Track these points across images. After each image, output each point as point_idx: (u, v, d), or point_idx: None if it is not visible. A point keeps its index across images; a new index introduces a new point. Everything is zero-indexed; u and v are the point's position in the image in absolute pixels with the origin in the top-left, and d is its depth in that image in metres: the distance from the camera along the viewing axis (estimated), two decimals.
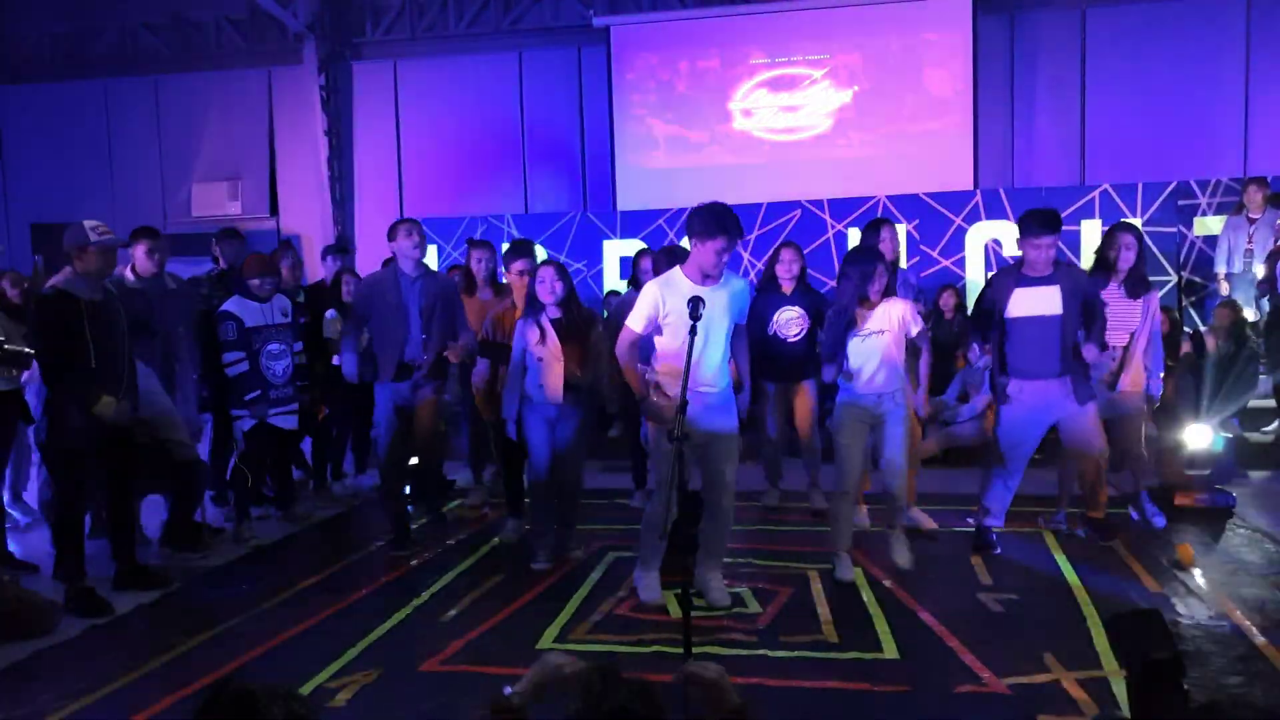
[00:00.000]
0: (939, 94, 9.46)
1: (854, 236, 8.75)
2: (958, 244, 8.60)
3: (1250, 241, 7.40)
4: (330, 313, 6.32)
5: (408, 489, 6.33)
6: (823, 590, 4.33)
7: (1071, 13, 9.57)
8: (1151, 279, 5.19)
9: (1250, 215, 7.44)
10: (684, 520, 4.04)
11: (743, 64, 9.84)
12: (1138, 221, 8.20)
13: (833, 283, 5.64)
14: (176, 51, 11.20)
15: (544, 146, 10.64)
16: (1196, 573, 4.40)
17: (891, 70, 9.54)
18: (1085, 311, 4.54)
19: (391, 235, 5.12)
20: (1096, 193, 8.47)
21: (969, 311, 7.63)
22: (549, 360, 4.62)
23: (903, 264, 7.26)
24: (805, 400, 5.55)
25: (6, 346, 4.54)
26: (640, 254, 5.78)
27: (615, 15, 10.10)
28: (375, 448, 6.85)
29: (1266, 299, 6.95)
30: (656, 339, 4.02)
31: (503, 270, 5.65)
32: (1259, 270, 7.16)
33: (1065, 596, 4.16)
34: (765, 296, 5.45)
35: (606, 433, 6.78)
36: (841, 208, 8.88)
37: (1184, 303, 8.21)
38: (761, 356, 5.31)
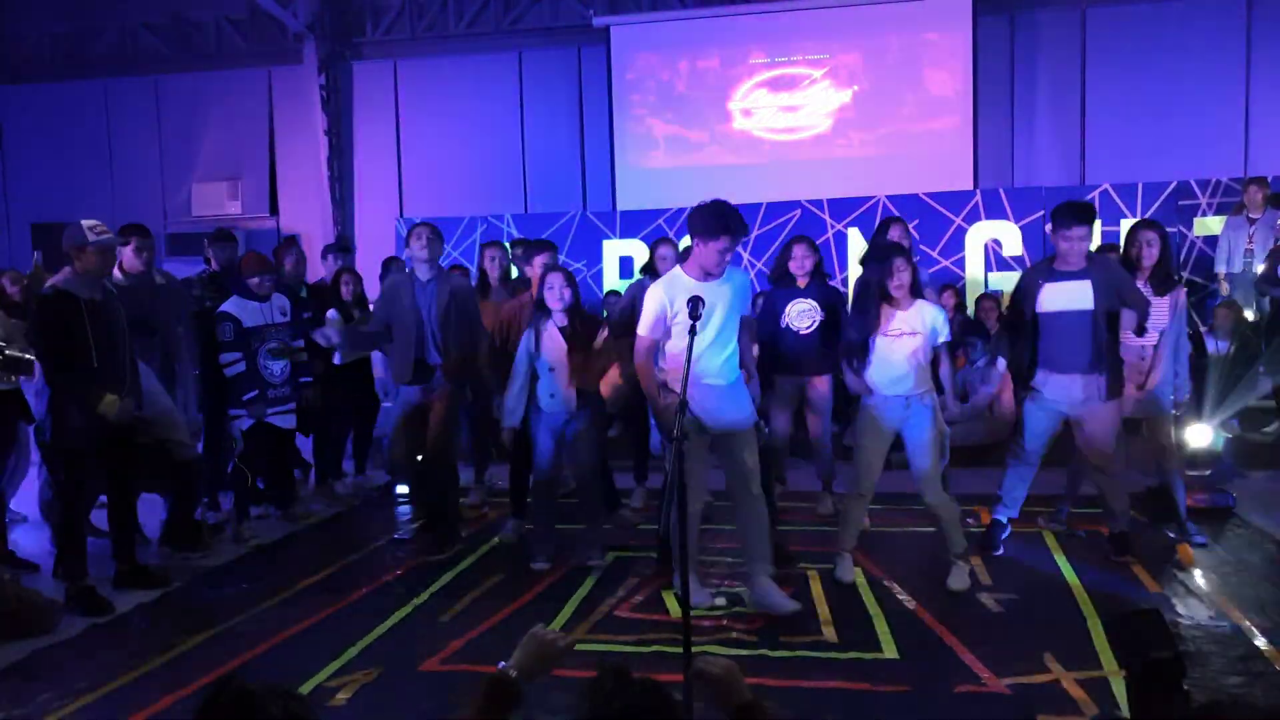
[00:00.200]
0: (939, 94, 9.46)
1: (854, 236, 8.76)
2: (957, 244, 8.60)
3: (1250, 241, 7.39)
4: (331, 313, 6.32)
5: (407, 488, 6.36)
6: (823, 590, 4.33)
7: (1071, 13, 9.57)
8: None
9: (1250, 215, 7.44)
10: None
11: (743, 64, 9.83)
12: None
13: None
14: (176, 51, 11.20)
15: (544, 146, 10.64)
16: (1196, 573, 4.40)
17: (891, 70, 9.54)
18: (1122, 301, 4.45)
19: (406, 241, 5.14)
20: (1096, 193, 8.47)
21: (969, 312, 7.67)
22: (562, 376, 4.64)
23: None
24: (819, 395, 5.49)
25: (8, 352, 4.55)
26: (659, 242, 5.77)
27: (615, 15, 10.09)
28: (381, 448, 6.89)
29: (1267, 299, 6.95)
30: (665, 341, 4.01)
31: (527, 268, 5.67)
32: (1259, 270, 7.15)
33: (1065, 596, 4.16)
34: (778, 290, 5.45)
35: (605, 433, 6.79)
36: (841, 208, 8.88)
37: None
38: (774, 350, 5.31)
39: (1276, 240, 7.11)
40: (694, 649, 3.11)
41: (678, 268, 4.03)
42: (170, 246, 10.74)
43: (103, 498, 4.75)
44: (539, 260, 5.32)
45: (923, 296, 4.42)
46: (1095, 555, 4.64)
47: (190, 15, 11.12)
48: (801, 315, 5.39)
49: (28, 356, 4.60)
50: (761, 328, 5.14)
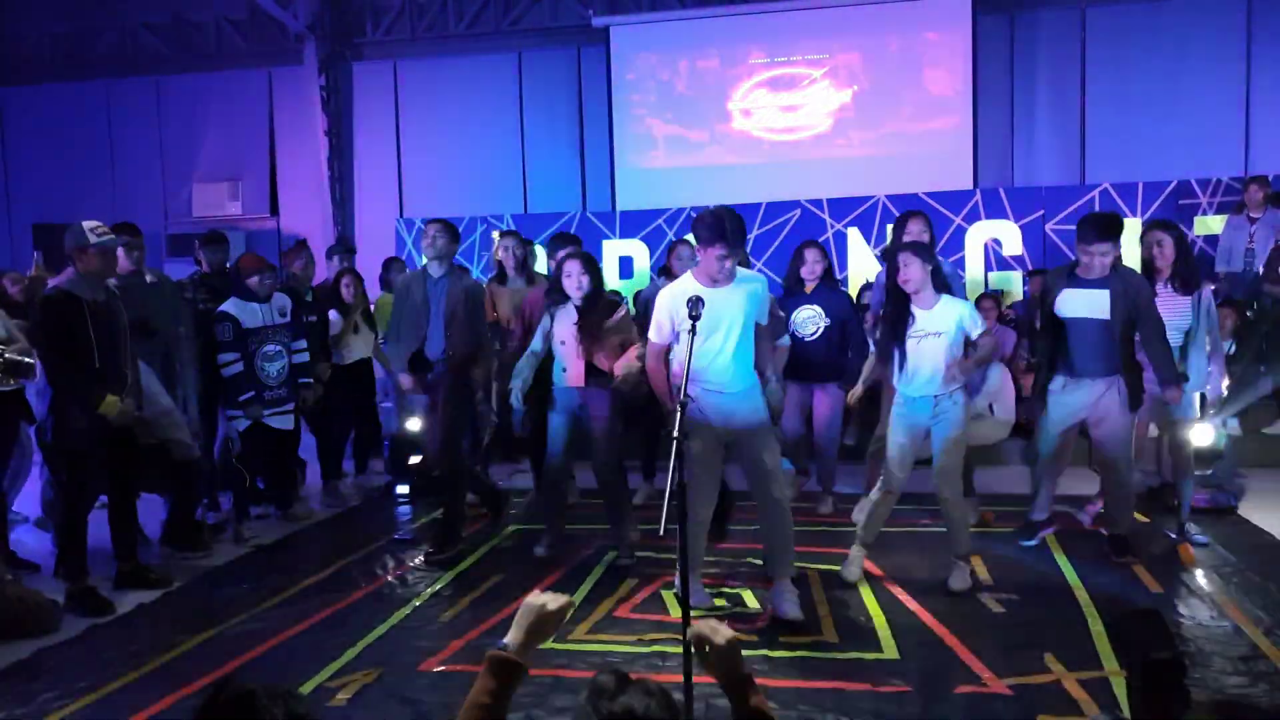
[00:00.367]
0: (939, 94, 9.46)
1: (854, 236, 8.77)
2: (957, 243, 8.60)
3: (1251, 241, 7.39)
4: (332, 314, 6.33)
5: (407, 488, 6.37)
6: (823, 590, 4.33)
7: (1071, 12, 9.57)
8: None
9: (1251, 215, 7.43)
10: (715, 518, 4.16)
11: (742, 64, 9.83)
12: (1132, 220, 8.20)
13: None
14: (177, 52, 11.20)
15: (544, 146, 10.64)
16: (1197, 573, 4.40)
17: (891, 70, 9.54)
18: (1135, 314, 4.42)
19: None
20: (1096, 192, 8.47)
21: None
22: (570, 350, 4.66)
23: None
24: (824, 405, 5.49)
25: (8, 355, 4.55)
26: (677, 243, 5.78)
27: (615, 15, 10.09)
28: (382, 448, 6.90)
29: (1268, 298, 6.94)
30: (675, 346, 4.01)
31: (552, 261, 5.69)
32: (1260, 270, 7.15)
33: (1065, 596, 4.16)
34: (788, 298, 5.45)
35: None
36: (841, 207, 8.88)
37: None
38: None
39: (1277, 240, 7.11)
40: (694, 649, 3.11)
41: (689, 273, 4.01)
42: (171, 247, 10.74)
43: (103, 498, 4.75)
44: (562, 252, 5.39)
45: (949, 291, 4.33)
46: (1096, 555, 4.64)
47: (190, 16, 11.12)
48: (806, 322, 5.39)
49: (28, 360, 4.60)
50: (776, 334, 5.15)
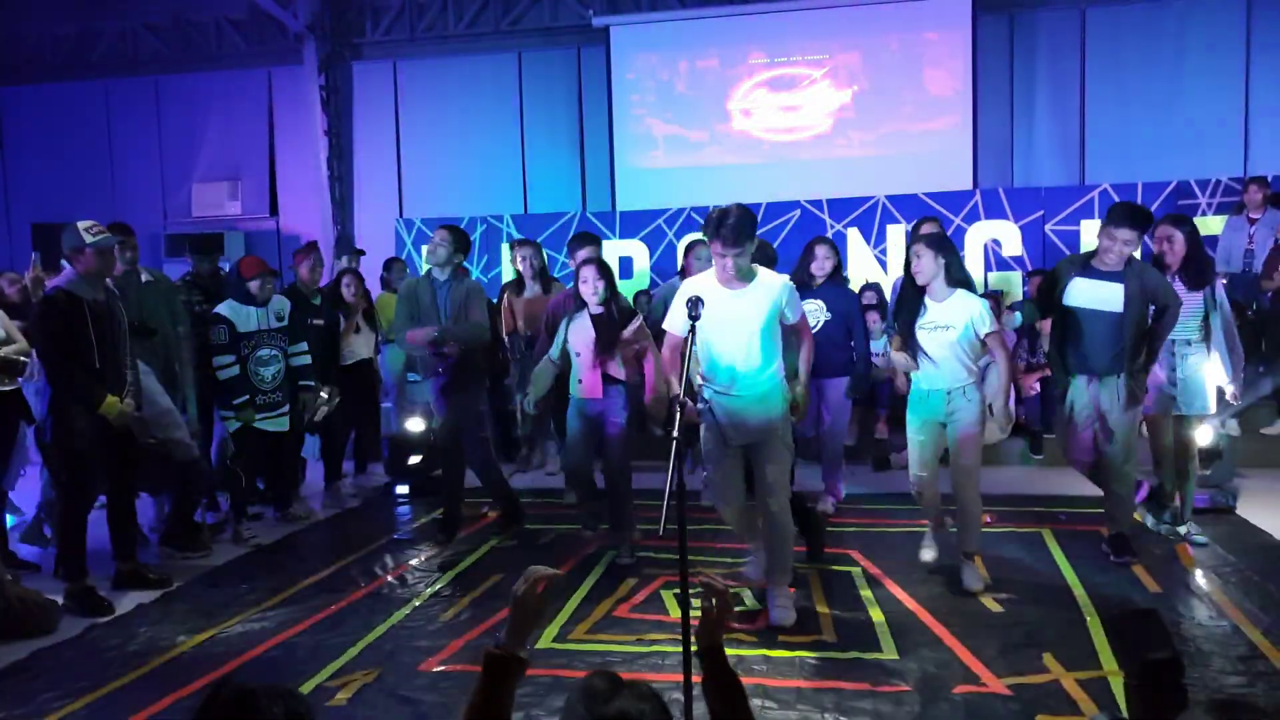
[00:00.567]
0: (939, 94, 9.45)
1: (853, 236, 8.76)
2: (957, 244, 8.56)
3: (1250, 242, 7.39)
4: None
5: (407, 488, 6.37)
6: (823, 590, 4.33)
7: (1071, 12, 9.56)
8: None
9: (1250, 215, 7.43)
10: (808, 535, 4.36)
11: (742, 64, 9.83)
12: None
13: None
14: (176, 52, 11.19)
15: (543, 146, 10.63)
16: (1197, 573, 4.40)
17: (891, 70, 9.53)
18: (1155, 301, 4.40)
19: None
20: (1096, 193, 8.47)
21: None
22: (586, 361, 4.70)
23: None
24: (830, 401, 5.47)
25: (1, 354, 4.55)
26: (695, 243, 5.80)
27: (615, 15, 10.09)
28: (382, 448, 6.91)
29: (1267, 298, 6.95)
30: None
31: (571, 261, 5.75)
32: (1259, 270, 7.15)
33: (1065, 596, 4.16)
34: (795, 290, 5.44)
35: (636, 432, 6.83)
36: (841, 208, 8.88)
37: None
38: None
39: (1276, 240, 7.11)
40: (694, 649, 3.11)
41: (710, 271, 3.96)
42: (170, 247, 10.74)
43: (101, 498, 4.75)
44: (581, 255, 5.45)
45: (968, 287, 4.29)
46: (1095, 555, 4.64)
47: (190, 16, 11.11)
48: (809, 315, 5.37)
49: (23, 359, 4.61)
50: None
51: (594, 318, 4.72)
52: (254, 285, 5.35)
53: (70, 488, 4.43)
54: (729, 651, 3.59)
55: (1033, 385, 6.77)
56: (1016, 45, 9.70)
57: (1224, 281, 5.01)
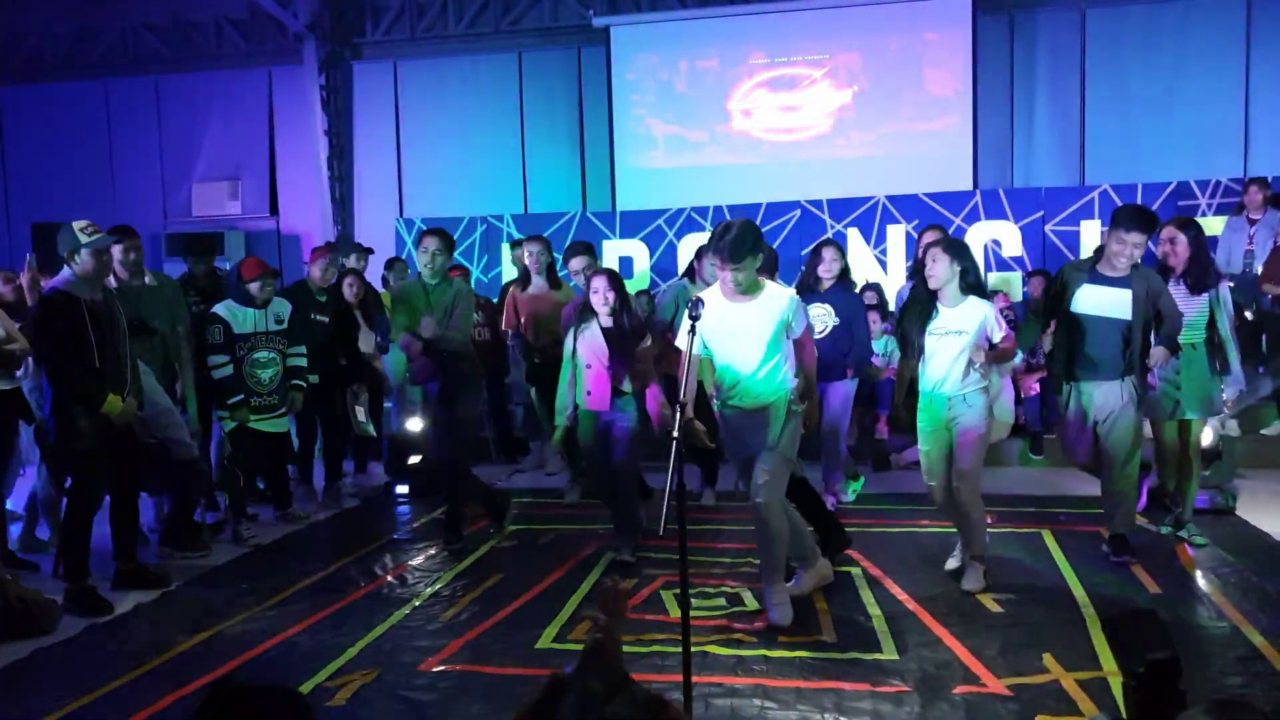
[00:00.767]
0: (939, 94, 9.45)
1: (853, 237, 8.76)
2: None
3: (1251, 242, 7.38)
4: None
5: (407, 488, 6.38)
6: (823, 590, 4.33)
7: (1071, 12, 9.56)
8: None
9: (1251, 216, 7.43)
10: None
11: (742, 64, 9.83)
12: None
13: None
14: (176, 51, 11.19)
15: (543, 146, 10.64)
16: (1197, 573, 4.40)
17: (891, 70, 9.53)
18: (1157, 316, 4.40)
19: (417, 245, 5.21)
20: (1096, 193, 8.47)
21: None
22: (597, 369, 4.68)
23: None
24: (831, 405, 5.46)
25: None
26: (703, 249, 5.81)
27: (615, 15, 10.09)
28: (382, 448, 6.92)
29: (1268, 299, 6.95)
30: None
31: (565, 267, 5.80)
32: (1259, 270, 7.14)
33: (1065, 597, 4.16)
34: (802, 294, 5.43)
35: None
36: (841, 208, 8.88)
37: None
38: None
39: (1277, 241, 7.11)
40: (694, 649, 3.11)
41: (718, 285, 3.95)
42: (170, 247, 10.74)
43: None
44: (576, 264, 5.45)
45: (982, 295, 4.29)
46: (1095, 556, 4.64)
47: (190, 15, 11.11)
48: (815, 320, 5.36)
49: (16, 350, 4.61)
50: None
51: (605, 330, 4.70)
52: (254, 287, 5.34)
53: (74, 488, 4.42)
54: (728, 652, 3.61)
55: (1032, 385, 6.77)
56: (1016, 45, 9.70)
57: (1230, 285, 4.99)
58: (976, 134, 9.34)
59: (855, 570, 4.58)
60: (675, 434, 2.94)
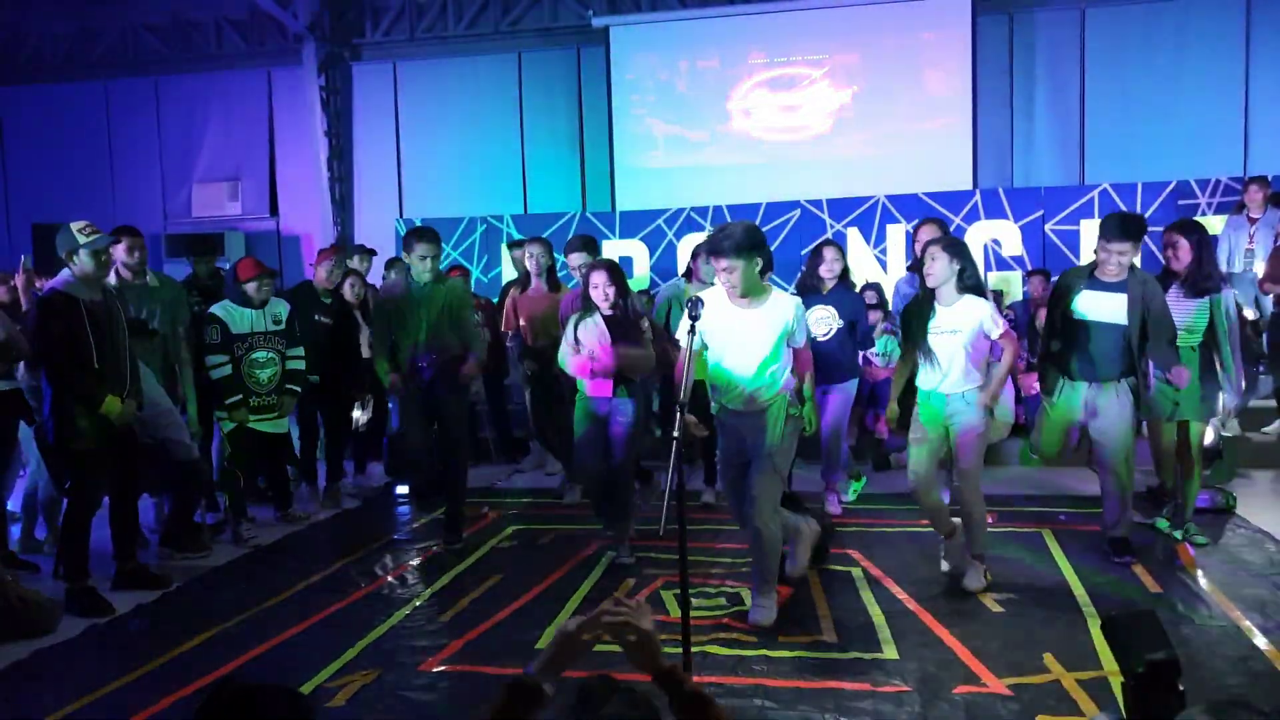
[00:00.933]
0: (938, 94, 9.45)
1: (853, 236, 8.77)
2: None
3: (1251, 241, 7.38)
4: None
5: (407, 488, 6.37)
6: (823, 590, 4.33)
7: (1071, 12, 9.57)
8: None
9: (1251, 215, 7.43)
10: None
11: (742, 64, 9.83)
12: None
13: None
14: (176, 52, 11.20)
15: (543, 146, 10.64)
16: (1197, 573, 4.40)
17: (890, 70, 9.54)
18: (1148, 323, 4.40)
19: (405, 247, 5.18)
20: (1096, 193, 8.48)
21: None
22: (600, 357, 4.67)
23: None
24: (833, 404, 5.45)
25: None
26: (699, 248, 5.82)
27: (614, 15, 10.09)
28: (383, 448, 6.92)
29: (1269, 298, 6.95)
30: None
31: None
32: (1259, 269, 7.14)
33: (1065, 596, 4.16)
34: (804, 296, 5.43)
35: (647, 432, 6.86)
36: (840, 208, 8.88)
37: None
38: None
39: (1277, 240, 7.11)
40: (694, 649, 3.11)
41: (722, 286, 3.92)
42: (170, 248, 10.75)
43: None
44: (575, 259, 5.46)
45: (981, 293, 4.27)
46: (1095, 556, 4.64)
47: (190, 16, 11.12)
48: (819, 322, 5.36)
49: (14, 346, 4.61)
50: None
51: (606, 318, 4.69)
52: (251, 287, 5.34)
53: (74, 489, 4.42)
54: (728, 652, 3.61)
55: (1033, 385, 6.75)
56: (1016, 45, 9.71)
57: (1234, 291, 4.98)
58: (976, 133, 9.34)
59: (855, 570, 4.58)
60: (675, 434, 2.94)
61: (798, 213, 8.91)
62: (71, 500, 4.43)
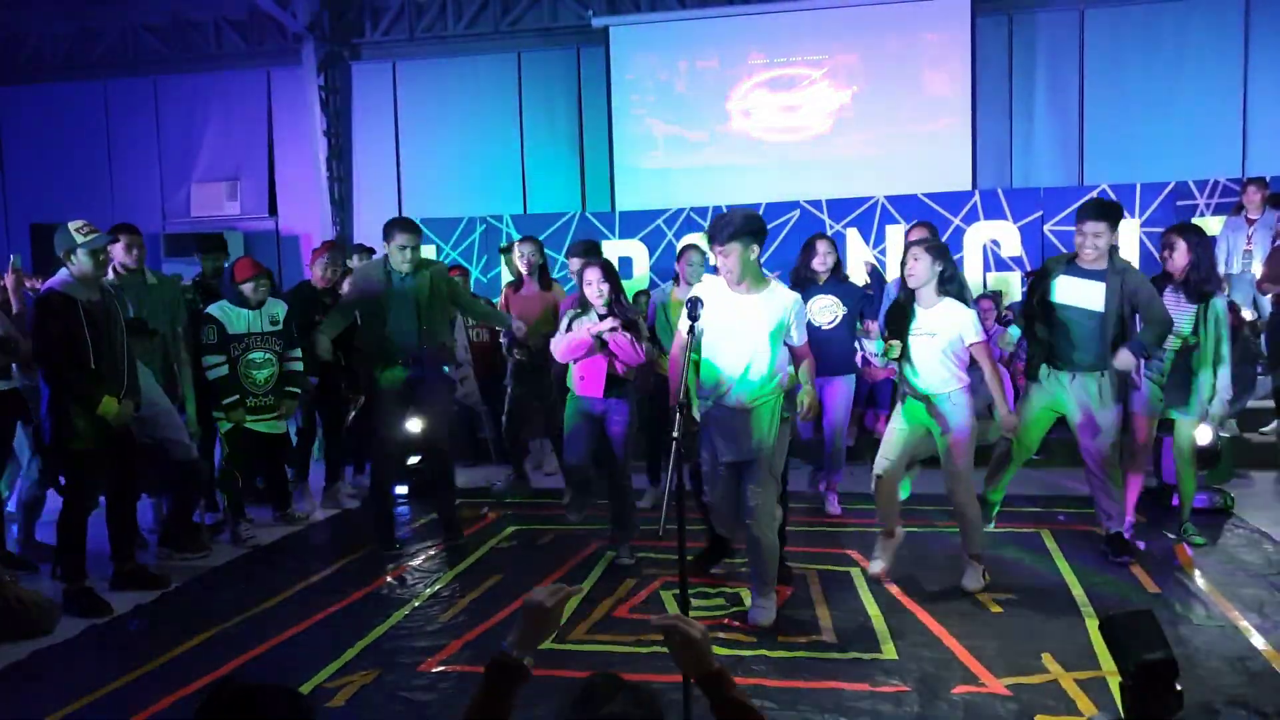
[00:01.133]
0: (937, 94, 9.45)
1: (853, 237, 8.76)
2: (956, 244, 8.58)
3: (1249, 242, 7.39)
4: None
5: (406, 488, 6.37)
6: (822, 590, 4.33)
7: (1070, 13, 9.57)
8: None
9: (1249, 216, 7.44)
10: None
11: (742, 64, 9.83)
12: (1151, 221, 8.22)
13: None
14: (176, 52, 11.19)
15: (543, 146, 10.64)
16: (1195, 573, 4.41)
17: (890, 70, 9.53)
18: (1134, 308, 4.41)
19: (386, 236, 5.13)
20: (1095, 192, 8.45)
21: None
22: (592, 359, 4.67)
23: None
24: (836, 398, 5.43)
25: None
26: (685, 249, 5.82)
27: (614, 16, 10.09)
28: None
29: (1267, 299, 6.95)
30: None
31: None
32: (1257, 270, 7.15)
33: (1064, 596, 4.17)
34: (801, 288, 5.43)
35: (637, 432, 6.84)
36: (840, 208, 8.88)
37: None
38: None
39: (1276, 241, 7.11)
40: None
41: (721, 275, 3.91)
42: (169, 247, 10.74)
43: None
44: (574, 263, 5.57)
45: (960, 298, 4.28)
46: (1095, 556, 4.65)
47: (189, 16, 11.11)
48: (823, 310, 5.37)
49: (12, 338, 4.61)
50: None
51: (602, 317, 4.68)
52: (247, 288, 5.34)
53: (72, 489, 4.42)
54: (727, 652, 3.61)
55: None
56: (1015, 46, 9.71)
57: (1225, 296, 4.99)
58: (975, 134, 9.34)
59: (855, 570, 4.58)
60: (675, 434, 2.94)
61: (797, 213, 8.90)
62: (68, 500, 4.43)
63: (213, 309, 5.33)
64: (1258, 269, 7.13)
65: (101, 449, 4.37)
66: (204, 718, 1.47)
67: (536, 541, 5.31)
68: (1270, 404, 6.79)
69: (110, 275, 4.93)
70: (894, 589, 4.31)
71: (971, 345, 4.18)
